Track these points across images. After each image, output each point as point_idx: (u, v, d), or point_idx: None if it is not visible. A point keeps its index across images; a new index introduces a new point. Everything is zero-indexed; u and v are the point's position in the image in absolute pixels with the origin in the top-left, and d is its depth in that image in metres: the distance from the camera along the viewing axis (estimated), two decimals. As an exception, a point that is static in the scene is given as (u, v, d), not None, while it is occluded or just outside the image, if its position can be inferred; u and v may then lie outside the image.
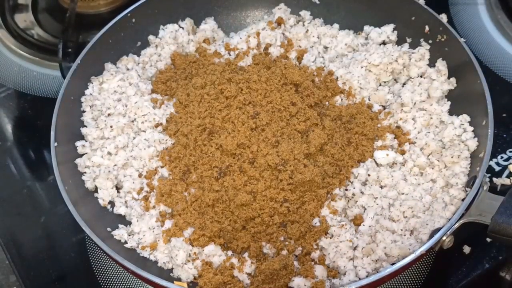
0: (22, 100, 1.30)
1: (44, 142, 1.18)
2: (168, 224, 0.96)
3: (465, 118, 1.01)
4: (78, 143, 1.04)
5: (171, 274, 0.92)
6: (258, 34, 1.19)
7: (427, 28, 1.11)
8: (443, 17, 1.10)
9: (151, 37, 1.20)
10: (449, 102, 1.05)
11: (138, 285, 1.02)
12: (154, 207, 0.99)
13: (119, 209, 0.99)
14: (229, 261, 0.91)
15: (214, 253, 0.91)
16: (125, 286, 1.02)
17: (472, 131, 0.99)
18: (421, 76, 1.10)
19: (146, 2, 1.18)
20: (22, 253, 1.07)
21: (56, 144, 0.99)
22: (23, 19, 1.45)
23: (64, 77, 1.12)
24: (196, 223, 0.94)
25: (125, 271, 1.01)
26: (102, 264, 1.04)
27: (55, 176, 0.95)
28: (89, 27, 1.35)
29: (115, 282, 1.02)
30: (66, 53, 1.20)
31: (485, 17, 1.35)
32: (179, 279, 0.91)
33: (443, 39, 1.09)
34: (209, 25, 1.22)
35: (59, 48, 1.19)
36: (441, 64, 1.09)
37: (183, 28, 1.21)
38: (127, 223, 0.99)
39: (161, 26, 1.21)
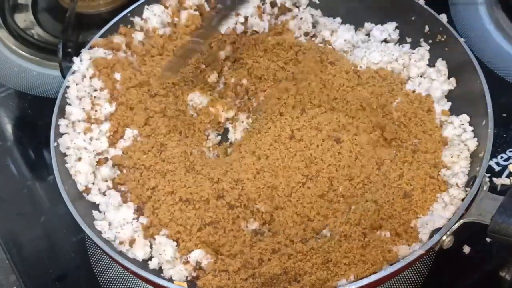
0: (22, 100, 1.30)
1: (44, 142, 1.18)
2: (143, 220, 0.94)
3: (465, 118, 1.01)
4: (62, 122, 1.01)
5: (161, 274, 0.90)
6: (246, 19, 1.17)
7: (427, 28, 1.11)
8: (443, 17, 1.10)
9: (136, 19, 1.15)
10: (449, 103, 1.05)
11: (138, 285, 1.02)
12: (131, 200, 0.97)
13: (94, 197, 0.97)
14: (224, 262, 0.89)
15: (201, 257, 0.90)
16: (125, 286, 1.02)
17: (472, 131, 0.99)
18: (421, 76, 1.10)
19: (146, 2, 1.18)
20: (22, 253, 1.07)
21: (56, 144, 0.99)
22: (23, 19, 1.45)
23: (64, 77, 1.12)
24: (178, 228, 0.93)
25: (125, 271, 1.01)
26: (102, 264, 1.04)
27: (55, 176, 0.94)
28: (89, 27, 1.35)
29: (115, 282, 1.02)
30: (66, 53, 1.20)
31: (485, 17, 1.35)
32: (171, 280, 0.90)
33: (443, 39, 1.09)
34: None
35: (59, 48, 1.19)
36: (441, 64, 1.09)
37: (168, 7, 1.16)
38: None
39: (146, 6, 1.15)
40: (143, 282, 0.99)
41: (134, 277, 1.00)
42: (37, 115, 1.27)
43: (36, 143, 1.23)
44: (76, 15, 1.28)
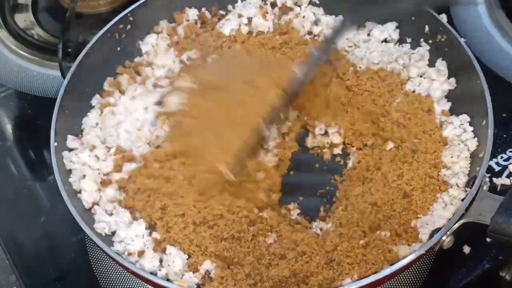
0: (22, 100, 1.30)
1: (44, 142, 1.17)
2: (156, 234, 0.93)
3: (465, 118, 1.01)
4: (70, 137, 1.02)
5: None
6: (250, 20, 1.18)
7: (427, 28, 1.11)
8: (443, 17, 1.10)
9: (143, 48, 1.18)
10: (449, 103, 1.05)
11: (138, 285, 1.02)
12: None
13: (102, 217, 0.95)
14: (233, 272, 0.88)
15: (211, 268, 0.89)
16: (125, 286, 1.02)
17: (472, 131, 0.99)
18: (421, 76, 1.10)
19: (146, 2, 1.18)
20: (22, 253, 1.07)
21: (56, 144, 0.99)
22: (23, 19, 1.45)
23: (64, 77, 1.12)
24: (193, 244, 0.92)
25: (125, 271, 1.01)
26: (102, 264, 1.04)
27: (55, 176, 0.94)
28: (89, 27, 1.35)
29: (115, 282, 1.02)
30: (66, 53, 1.19)
31: (485, 17, 1.35)
32: (170, 280, 0.89)
33: (443, 39, 1.09)
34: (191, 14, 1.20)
35: (59, 48, 1.19)
36: (441, 64, 1.09)
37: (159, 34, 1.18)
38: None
39: (140, 42, 1.18)
40: (143, 282, 0.99)
41: (134, 277, 1.00)
42: (37, 115, 1.27)
43: (36, 143, 1.23)
44: (76, 15, 1.28)
